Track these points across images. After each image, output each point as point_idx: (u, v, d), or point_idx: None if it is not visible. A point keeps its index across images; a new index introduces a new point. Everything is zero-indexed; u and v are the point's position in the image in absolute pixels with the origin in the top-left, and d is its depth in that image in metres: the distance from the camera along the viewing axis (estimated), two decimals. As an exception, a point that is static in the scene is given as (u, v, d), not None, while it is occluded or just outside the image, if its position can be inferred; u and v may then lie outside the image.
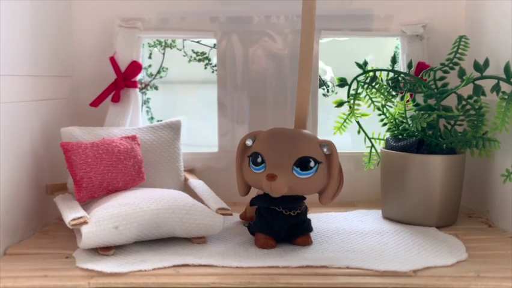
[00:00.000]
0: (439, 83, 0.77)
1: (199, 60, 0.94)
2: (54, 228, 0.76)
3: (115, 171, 0.70)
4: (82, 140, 0.73)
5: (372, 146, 0.84)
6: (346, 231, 0.73)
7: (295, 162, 0.63)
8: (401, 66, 0.89)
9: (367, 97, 0.81)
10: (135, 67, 0.85)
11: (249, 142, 0.67)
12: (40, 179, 0.76)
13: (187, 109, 0.98)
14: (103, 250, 0.63)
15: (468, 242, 0.68)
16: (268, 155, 0.64)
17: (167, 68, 0.95)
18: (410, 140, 0.76)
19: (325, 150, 0.65)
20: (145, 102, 0.95)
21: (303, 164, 0.63)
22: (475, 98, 0.74)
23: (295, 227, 0.67)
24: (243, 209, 0.81)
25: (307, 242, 0.67)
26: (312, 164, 0.63)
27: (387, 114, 0.82)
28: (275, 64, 0.90)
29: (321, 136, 0.70)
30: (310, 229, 0.68)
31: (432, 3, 0.88)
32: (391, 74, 0.80)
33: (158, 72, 0.95)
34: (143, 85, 0.94)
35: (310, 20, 0.67)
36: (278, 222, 0.66)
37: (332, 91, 0.95)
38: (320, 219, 0.79)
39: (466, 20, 0.89)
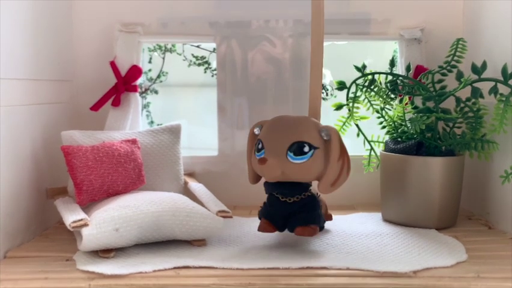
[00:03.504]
0: (437, 86, 0.77)
1: (199, 65, 0.95)
2: (55, 231, 0.76)
3: (115, 174, 0.70)
4: (82, 144, 0.74)
5: (372, 148, 0.84)
6: (346, 233, 0.73)
7: (289, 147, 0.63)
8: (399, 70, 0.90)
9: (366, 100, 0.81)
10: (135, 71, 0.86)
11: (256, 131, 0.68)
12: (40, 183, 0.76)
13: (187, 113, 0.98)
14: (104, 252, 0.63)
15: (468, 243, 0.68)
16: (266, 141, 0.65)
17: (167, 72, 0.95)
18: (409, 143, 0.77)
19: (323, 135, 0.64)
20: (145, 106, 0.95)
21: (297, 149, 0.63)
22: (473, 100, 0.74)
23: (294, 216, 0.66)
24: (244, 212, 0.81)
25: (304, 233, 0.64)
26: (306, 149, 0.63)
27: (386, 117, 0.82)
28: (275, 68, 0.90)
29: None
30: (310, 221, 0.65)
31: (429, 7, 0.89)
32: (390, 77, 0.80)
33: (158, 76, 0.95)
34: (143, 89, 0.95)
35: (319, 19, 0.69)
36: (275, 207, 0.66)
37: (331, 94, 0.95)
38: (320, 222, 0.79)
39: (463, 22, 0.89)
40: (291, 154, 0.62)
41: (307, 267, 0.60)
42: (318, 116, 0.70)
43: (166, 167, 0.80)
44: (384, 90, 0.80)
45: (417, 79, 0.80)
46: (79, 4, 0.89)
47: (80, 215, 0.64)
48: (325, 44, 0.92)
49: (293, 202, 0.66)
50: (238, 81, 0.90)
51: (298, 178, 0.64)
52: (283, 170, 0.63)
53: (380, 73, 0.80)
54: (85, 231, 0.61)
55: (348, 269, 0.59)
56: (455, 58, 0.78)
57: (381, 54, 0.96)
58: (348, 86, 0.80)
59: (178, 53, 0.95)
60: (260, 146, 0.65)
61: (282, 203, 0.66)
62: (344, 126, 0.82)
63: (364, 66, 0.80)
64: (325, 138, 0.64)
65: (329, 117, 0.93)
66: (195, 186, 0.80)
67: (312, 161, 0.63)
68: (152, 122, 0.96)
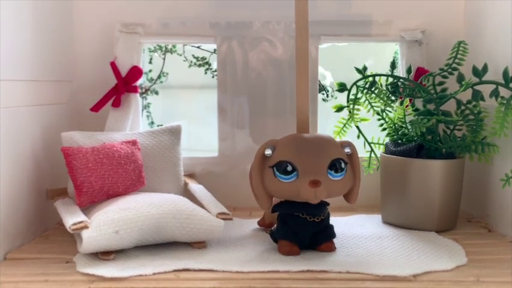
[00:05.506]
0: (438, 88, 0.77)
1: (200, 65, 0.95)
2: (55, 232, 0.76)
3: (116, 175, 0.70)
4: (82, 145, 0.74)
5: (372, 150, 0.84)
6: (346, 235, 0.73)
7: (329, 165, 0.63)
8: (400, 72, 0.90)
9: (366, 102, 0.81)
10: (136, 72, 0.86)
11: (268, 152, 0.65)
12: (40, 184, 0.76)
13: (187, 114, 0.98)
14: (104, 255, 0.63)
15: (468, 246, 0.68)
16: (299, 162, 0.63)
17: (167, 73, 0.95)
18: (409, 145, 0.77)
19: (347, 150, 0.66)
20: (146, 107, 0.95)
21: (335, 166, 0.63)
22: (473, 103, 0.74)
23: (319, 233, 0.66)
24: (244, 213, 0.81)
25: (331, 248, 0.66)
26: (343, 165, 0.64)
27: (387, 119, 0.82)
28: (275, 69, 0.90)
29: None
30: (333, 235, 0.67)
31: (431, 9, 0.89)
32: (390, 79, 0.80)
33: (159, 77, 0.95)
34: (143, 90, 0.95)
35: (304, 22, 0.68)
36: (302, 228, 0.65)
37: (332, 96, 0.95)
38: (320, 224, 0.79)
39: (464, 25, 0.89)
40: (332, 172, 0.63)
41: (307, 271, 0.60)
42: (307, 130, 0.70)
43: (166, 168, 0.80)
44: (385, 92, 0.80)
45: (418, 81, 0.79)
46: (79, 4, 0.89)
47: (80, 217, 0.64)
48: (326, 45, 0.93)
49: (321, 220, 0.66)
50: (239, 82, 0.90)
51: (338, 194, 0.66)
52: (328, 189, 0.63)
53: (380, 75, 0.80)
54: (85, 234, 0.61)
55: (348, 272, 0.59)
56: (456, 61, 0.78)
57: (382, 56, 0.96)
58: (348, 87, 0.80)
59: (178, 54, 0.95)
60: (290, 168, 0.63)
61: (310, 223, 0.65)
62: (345, 128, 0.82)
63: (365, 68, 0.80)
64: (348, 152, 0.66)
65: (329, 118, 0.93)
66: (195, 187, 0.80)
67: (347, 176, 0.65)
68: (152, 123, 0.96)
